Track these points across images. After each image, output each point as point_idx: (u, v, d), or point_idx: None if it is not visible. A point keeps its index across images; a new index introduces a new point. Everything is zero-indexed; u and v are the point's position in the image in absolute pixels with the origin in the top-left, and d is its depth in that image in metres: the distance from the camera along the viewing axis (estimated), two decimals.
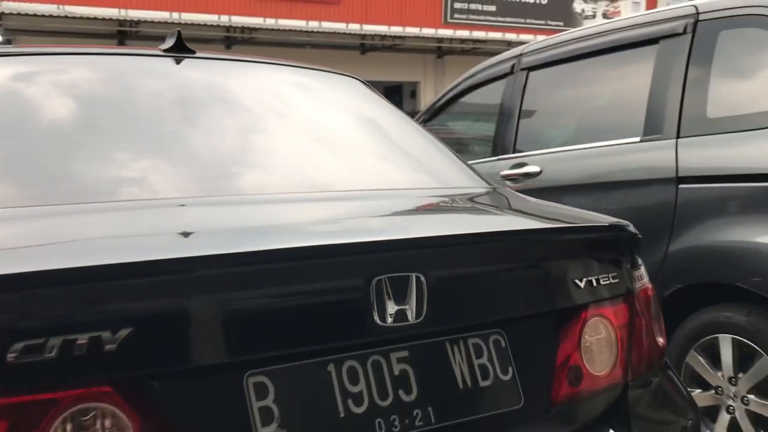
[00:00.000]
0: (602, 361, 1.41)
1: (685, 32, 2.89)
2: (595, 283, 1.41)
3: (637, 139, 3.01)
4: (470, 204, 1.70)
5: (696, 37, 2.85)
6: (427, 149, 2.03)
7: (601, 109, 3.34)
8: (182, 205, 1.38)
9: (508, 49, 4.03)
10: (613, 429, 1.38)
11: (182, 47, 1.92)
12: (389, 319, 1.15)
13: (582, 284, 1.39)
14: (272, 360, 1.10)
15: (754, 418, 2.49)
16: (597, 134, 3.24)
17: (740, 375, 2.48)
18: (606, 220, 1.55)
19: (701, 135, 2.77)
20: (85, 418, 0.98)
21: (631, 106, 3.09)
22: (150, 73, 1.84)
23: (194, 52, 1.94)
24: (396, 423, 1.16)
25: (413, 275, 1.17)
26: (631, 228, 1.53)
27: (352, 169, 1.76)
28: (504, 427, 1.27)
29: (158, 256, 1.04)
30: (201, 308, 1.06)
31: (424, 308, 1.18)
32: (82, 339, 0.97)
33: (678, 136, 2.84)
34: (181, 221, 1.32)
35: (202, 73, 1.92)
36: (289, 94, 2.02)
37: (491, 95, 3.87)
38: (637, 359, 1.45)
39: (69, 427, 0.97)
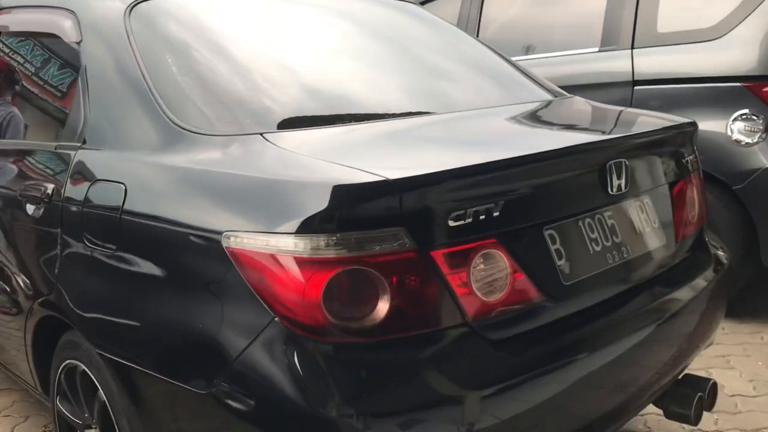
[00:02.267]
0: (692, 213, 2.10)
1: None
2: (687, 162, 2.08)
3: (596, 49, 3.70)
4: (593, 109, 2.29)
5: None
6: (492, 61, 2.54)
7: (561, 23, 3.97)
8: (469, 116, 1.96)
9: None
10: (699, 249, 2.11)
11: None
12: (614, 189, 1.74)
13: (683, 162, 2.05)
14: (557, 219, 1.65)
15: None
16: (558, 45, 3.89)
17: None
18: (680, 119, 2.19)
19: (652, 46, 3.52)
20: (482, 260, 1.48)
21: (590, 22, 3.76)
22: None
23: None
24: (616, 255, 1.77)
25: (623, 161, 1.75)
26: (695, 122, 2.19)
27: (490, 85, 2.29)
28: (660, 255, 1.93)
29: (509, 155, 1.55)
30: (528, 187, 1.58)
31: (627, 181, 1.77)
32: (481, 209, 1.46)
33: (633, 47, 3.56)
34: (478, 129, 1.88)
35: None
36: (404, 25, 2.46)
37: (449, 9, 4.36)
38: (701, 211, 2.17)
39: (478, 266, 1.47)
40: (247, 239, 1.41)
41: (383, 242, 1.35)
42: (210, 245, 1.47)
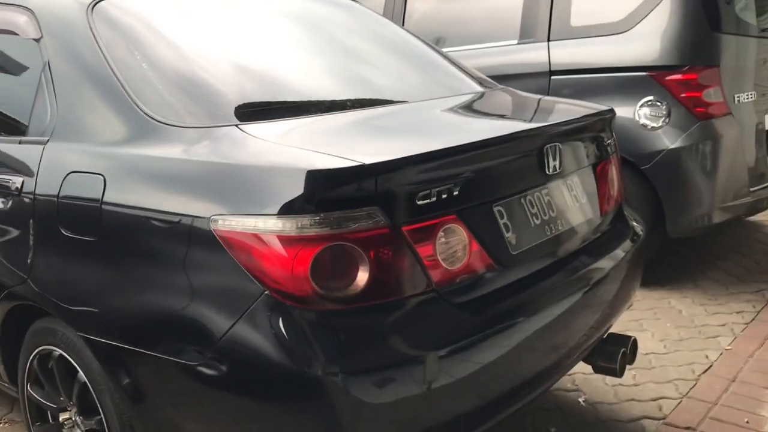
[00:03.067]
0: (613, 190, 2.37)
1: None
2: (608, 145, 2.35)
3: (515, 41, 3.98)
4: (523, 100, 2.51)
5: None
6: (431, 55, 2.75)
7: (482, 17, 4.22)
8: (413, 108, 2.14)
9: None
10: (618, 222, 2.38)
11: None
12: (550, 170, 1.97)
13: (604, 145, 2.32)
14: (504, 197, 1.86)
15: None
16: (480, 38, 4.15)
17: None
18: (600, 106, 2.45)
19: (567, 39, 3.82)
20: (444, 234, 1.68)
21: (509, 16, 4.03)
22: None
23: None
24: (552, 228, 2.00)
25: (557, 144, 1.99)
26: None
27: (431, 78, 2.49)
28: (587, 227, 2.18)
29: (461, 141, 1.75)
30: (480, 169, 1.78)
31: (560, 163, 2.01)
32: (443, 189, 1.65)
33: (549, 40, 3.85)
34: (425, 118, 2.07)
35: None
36: (348, 23, 2.62)
37: (375, 1, 4.53)
38: (620, 188, 2.44)
39: (441, 239, 1.67)
40: (234, 222, 1.55)
41: (361, 220, 1.53)
42: (197, 229, 1.60)
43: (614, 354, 2.28)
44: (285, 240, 1.50)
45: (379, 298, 1.57)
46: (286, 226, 1.50)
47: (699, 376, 2.89)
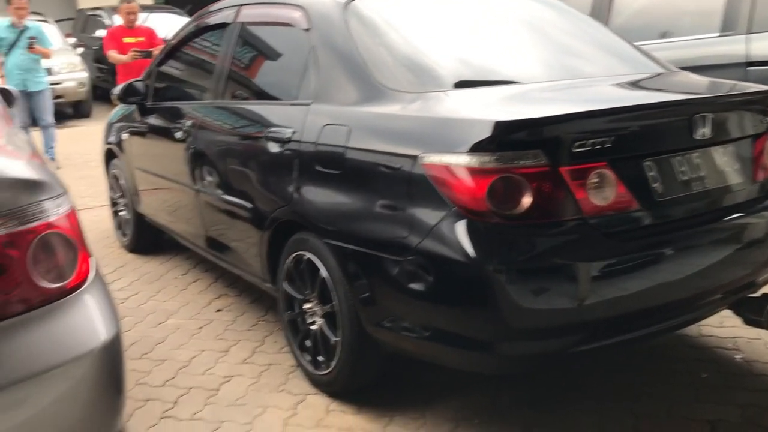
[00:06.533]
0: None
1: None
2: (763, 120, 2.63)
3: (716, 34, 4.21)
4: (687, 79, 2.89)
5: None
6: (621, 44, 3.17)
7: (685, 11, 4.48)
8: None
9: None
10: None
11: None
12: (698, 136, 2.36)
13: (763, 121, 2.62)
14: (654, 154, 2.30)
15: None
16: (680, 31, 4.41)
17: None
18: (763, 87, 2.72)
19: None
20: (595, 177, 2.16)
21: (709, 10, 4.26)
22: None
23: None
24: (699, 186, 2.39)
25: (707, 114, 2.37)
26: None
27: (613, 60, 2.94)
28: (735, 190, 2.50)
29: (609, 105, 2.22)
30: (631, 129, 2.25)
31: (711, 131, 2.38)
32: (596, 142, 2.15)
33: (749, 32, 4.04)
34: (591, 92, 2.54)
35: None
36: (545, 15, 3.16)
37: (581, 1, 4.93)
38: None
39: (592, 180, 2.16)
40: (436, 158, 2.17)
41: (527, 159, 2.08)
42: (409, 164, 2.25)
43: (761, 306, 2.58)
44: (470, 171, 2.10)
45: (538, 219, 2.11)
46: (472, 161, 2.10)
47: None
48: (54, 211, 1.60)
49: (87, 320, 1.63)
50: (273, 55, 3.36)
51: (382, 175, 2.37)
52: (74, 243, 1.64)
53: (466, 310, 2.18)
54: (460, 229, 2.12)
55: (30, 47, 7.33)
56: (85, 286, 1.66)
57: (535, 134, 2.10)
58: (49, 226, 1.59)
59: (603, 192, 2.18)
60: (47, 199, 1.60)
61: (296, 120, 2.82)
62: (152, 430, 2.58)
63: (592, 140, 2.14)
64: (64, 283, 1.61)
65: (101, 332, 1.64)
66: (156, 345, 3.32)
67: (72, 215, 1.67)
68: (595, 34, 3.17)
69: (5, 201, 1.52)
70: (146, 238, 4.56)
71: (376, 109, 2.48)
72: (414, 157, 2.24)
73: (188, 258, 4.52)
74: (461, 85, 2.52)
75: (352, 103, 2.61)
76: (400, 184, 2.29)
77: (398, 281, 2.32)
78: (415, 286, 2.26)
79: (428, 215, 2.21)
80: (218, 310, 3.70)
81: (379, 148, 2.39)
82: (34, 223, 1.56)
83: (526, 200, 2.10)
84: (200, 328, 3.49)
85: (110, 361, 1.65)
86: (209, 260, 3.85)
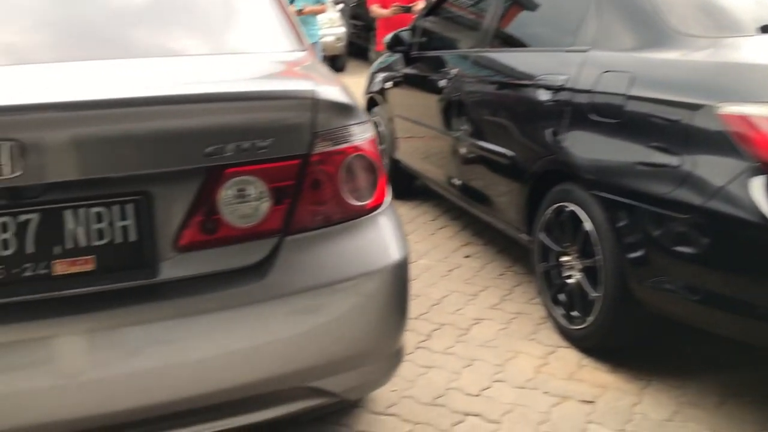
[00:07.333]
0: None
1: None
2: None
3: None
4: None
5: None
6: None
7: None
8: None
9: None
10: None
11: None
12: None
13: None
14: None
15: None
16: None
17: None
18: None
19: None
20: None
21: None
22: None
23: None
24: None
25: None
26: None
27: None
28: None
29: None
30: None
31: None
32: None
33: None
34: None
35: None
36: None
37: None
38: None
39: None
40: (735, 108, 1.99)
41: None
42: (702, 114, 2.09)
43: None
44: None
45: None
46: None
47: None
48: (360, 136, 1.72)
49: (381, 240, 1.74)
50: (548, 2, 3.28)
51: (666, 126, 2.23)
52: (376, 167, 1.75)
53: (760, 275, 2.01)
54: (760, 188, 1.94)
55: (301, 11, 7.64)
56: (381, 208, 1.77)
57: None
58: (356, 149, 1.70)
59: None
60: (356, 123, 1.71)
61: (571, 67, 2.74)
62: (409, 357, 2.72)
63: None
64: (365, 203, 1.73)
65: (393, 253, 1.74)
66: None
67: (374, 142, 1.78)
68: None
69: (323, 122, 1.65)
70: (400, 183, 4.77)
71: (664, 55, 2.34)
72: (706, 107, 2.08)
73: (437, 205, 4.66)
74: (754, 32, 2.29)
75: (635, 49, 2.48)
76: (687, 135, 2.15)
77: (677, 240, 2.19)
78: (697, 246, 2.12)
79: (720, 171, 2.04)
80: (466, 256, 3.78)
81: (665, 97, 2.25)
82: (344, 145, 1.68)
83: None
84: (450, 270, 3.60)
85: (399, 280, 1.75)
86: (457, 209, 3.93)
